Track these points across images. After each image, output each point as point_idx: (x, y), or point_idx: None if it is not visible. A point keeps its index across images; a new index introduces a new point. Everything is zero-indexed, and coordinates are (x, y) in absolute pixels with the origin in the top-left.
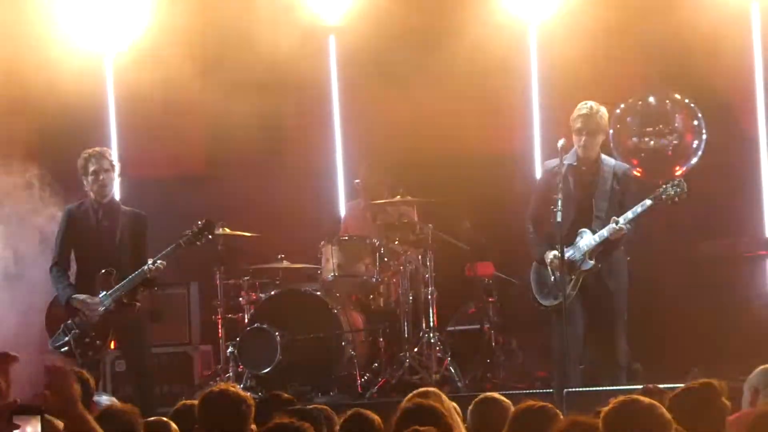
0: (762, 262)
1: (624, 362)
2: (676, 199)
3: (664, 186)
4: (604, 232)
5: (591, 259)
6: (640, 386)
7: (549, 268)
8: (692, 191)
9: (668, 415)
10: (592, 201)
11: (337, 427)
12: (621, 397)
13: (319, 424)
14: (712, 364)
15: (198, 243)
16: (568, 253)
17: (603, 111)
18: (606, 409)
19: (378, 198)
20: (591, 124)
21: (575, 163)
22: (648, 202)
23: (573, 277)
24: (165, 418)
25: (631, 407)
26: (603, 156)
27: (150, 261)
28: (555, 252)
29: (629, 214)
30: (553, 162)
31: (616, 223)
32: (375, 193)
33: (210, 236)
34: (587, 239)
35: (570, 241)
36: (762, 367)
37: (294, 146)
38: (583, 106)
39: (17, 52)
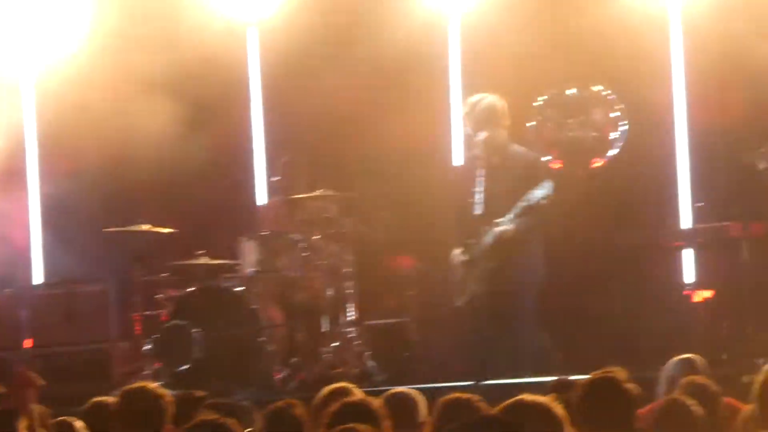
0: (678, 253)
1: (533, 352)
2: (542, 201)
3: (534, 189)
4: (493, 233)
5: (489, 260)
6: (555, 378)
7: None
8: (609, 182)
9: (560, 412)
10: (501, 194)
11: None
12: (510, 400)
13: (246, 418)
14: (630, 355)
15: None
16: (460, 249)
17: (487, 101)
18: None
19: (297, 193)
20: (473, 119)
21: (482, 156)
22: (521, 204)
23: (474, 278)
24: (69, 418)
25: (520, 408)
26: (514, 146)
27: None
28: (459, 250)
29: (510, 215)
30: (471, 154)
31: (498, 225)
32: (294, 189)
33: None
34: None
35: (479, 237)
36: (677, 357)
37: (213, 140)
38: (465, 103)
39: None
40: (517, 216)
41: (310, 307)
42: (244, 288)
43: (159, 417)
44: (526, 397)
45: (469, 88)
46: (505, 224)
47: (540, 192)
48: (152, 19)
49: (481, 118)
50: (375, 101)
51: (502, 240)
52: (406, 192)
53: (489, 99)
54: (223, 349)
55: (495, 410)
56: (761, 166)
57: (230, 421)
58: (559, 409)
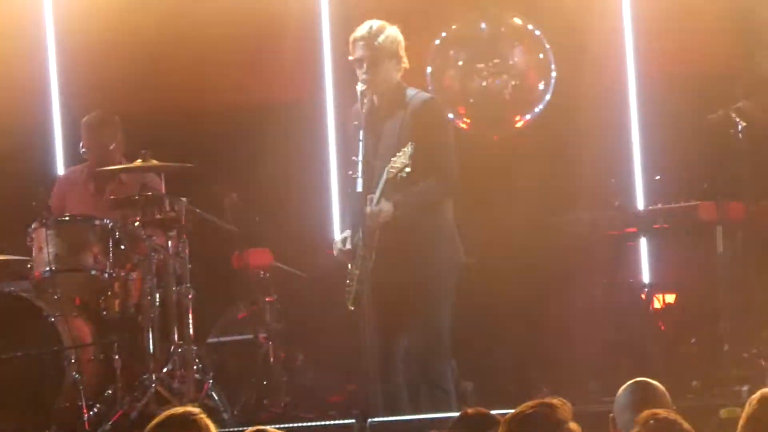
0: (633, 242)
1: (445, 383)
2: (405, 172)
3: (395, 157)
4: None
5: (366, 251)
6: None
7: None
8: (536, 150)
9: None
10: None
11: None
12: None
13: None
14: (567, 381)
15: None
16: (343, 235)
17: (391, 31)
18: None
19: (108, 164)
20: (373, 50)
21: (359, 107)
22: (383, 176)
23: (356, 274)
24: None
25: None
26: (408, 90)
27: None
28: (342, 236)
29: (377, 192)
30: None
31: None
32: (104, 158)
33: None
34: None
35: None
36: (631, 382)
37: None
38: (360, 28)
39: None
40: (385, 193)
41: (130, 320)
42: (36, 293)
43: None
44: None
45: (343, 24)
46: (375, 203)
47: (399, 161)
48: None
49: (382, 55)
50: (218, 45)
51: (377, 225)
52: (255, 161)
53: (392, 30)
54: (8, 378)
55: None
56: (740, 125)
57: None
58: None
